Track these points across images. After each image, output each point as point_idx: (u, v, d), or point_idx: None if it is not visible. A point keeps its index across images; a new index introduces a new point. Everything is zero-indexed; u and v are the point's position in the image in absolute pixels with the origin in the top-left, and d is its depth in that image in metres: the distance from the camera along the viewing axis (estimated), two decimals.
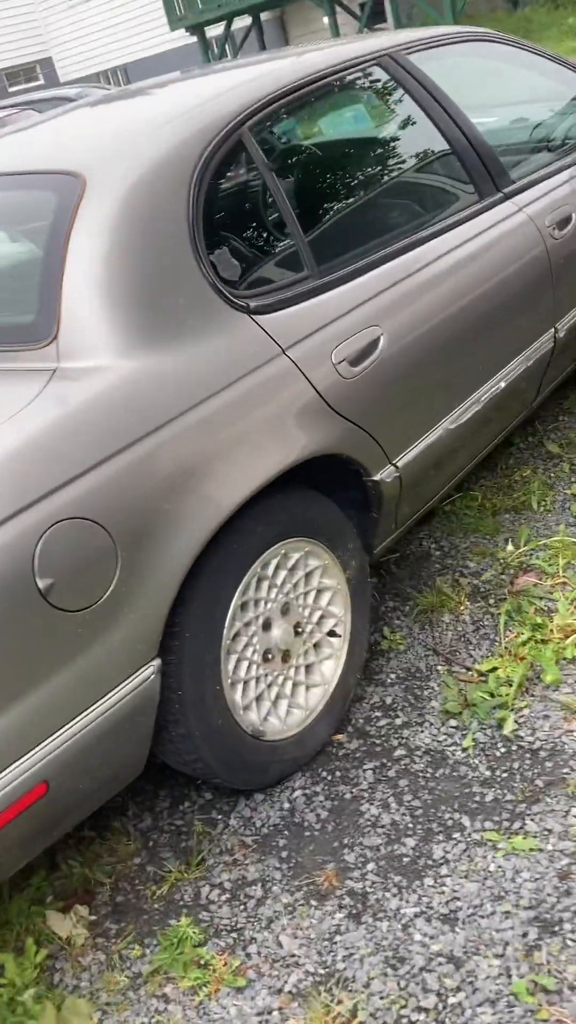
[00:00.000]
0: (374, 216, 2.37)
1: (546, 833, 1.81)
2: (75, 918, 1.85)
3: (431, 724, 2.17)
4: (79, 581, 1.57)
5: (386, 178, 2.52)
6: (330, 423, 2.02)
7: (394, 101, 2.52)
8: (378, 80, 2.50)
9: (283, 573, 2.04)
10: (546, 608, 2.44)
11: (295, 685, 2.13)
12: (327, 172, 2.46)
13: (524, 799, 1.90)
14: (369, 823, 1.94)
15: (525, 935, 1.63)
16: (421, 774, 2.03)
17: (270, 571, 2.00)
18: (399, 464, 2.23)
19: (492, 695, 2.19)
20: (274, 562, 2.00)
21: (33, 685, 1.53)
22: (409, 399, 2.24)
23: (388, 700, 2.28)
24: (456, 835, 1.86)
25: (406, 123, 2.52)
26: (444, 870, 1.79)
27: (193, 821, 2.05)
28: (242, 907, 1.82)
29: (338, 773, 2.09)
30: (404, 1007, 1.56)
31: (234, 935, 1.76)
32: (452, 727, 2.14)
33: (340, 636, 2.20)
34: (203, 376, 1.84)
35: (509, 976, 1.57)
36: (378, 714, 2.24)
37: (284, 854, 1.91)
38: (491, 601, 2.54)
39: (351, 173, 2.50)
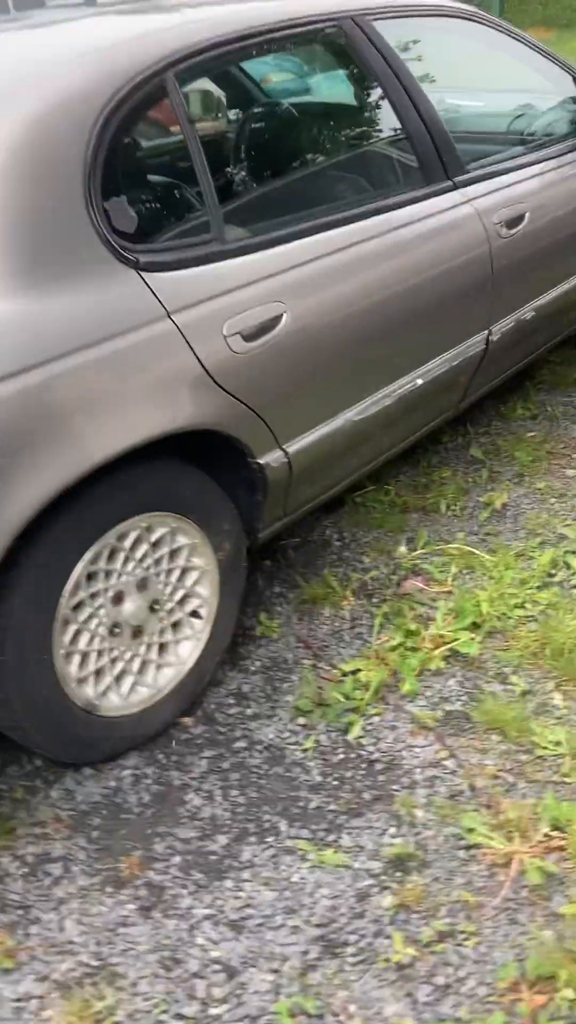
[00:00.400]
0: (301, 186, 2.26)
1: (358, 850, 1.76)
2: None
3: (280, 719, 2.10)
4: None
5: (322, 148, 2.40)
6: (211, 397, 1.92)
7: (347, 68, 2.39)
8: (334, 43, 2.37)
9: (144, 547, 1.95)
10: (425, 616, 2.37)
11: (145, 663, 2.05)
12: (255, 134, 2.33)
13: (347, 811, 1.85)
14: (188, 814, 1.88)
15: (306, 953, 1.58)
16: (255, 770, 1.97)
17: (127, 543, 1.91)
18: (289, 450, 2.14)
19: (347, 697, 2.13)
20: (133, 534, 1.92)
21: None
22: (308, 384, 2.15)
23: (245, 688, 2.22)
24: (269, 839, 1.80)
25: (356, 93, 2.40)
26: (246, 874, 1.73)
27: (15, 786, 1.98)
28: (37, 884, 1.76)
29: (174, 757, 2.03)
30: (164, 1012, 1.51)
31: (20, 912, 1.71)
32: (299, 725, 2.08)
33: (203, 618, 2.13)
34: (74, 328, 1.73)
35: (277, 994, 1.52)
36: (231, 701, 2.18)
37: (95, 834, 1.85)
38: (374, 600, 2.47)
39: (282, 137, 2.38)
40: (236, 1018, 1.49)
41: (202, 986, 1.54)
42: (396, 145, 2.40)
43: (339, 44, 2.36)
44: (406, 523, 2.80)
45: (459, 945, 1.56)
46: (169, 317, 1.86)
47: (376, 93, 2.37)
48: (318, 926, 1.62)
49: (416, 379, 2.46)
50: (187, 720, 2.13)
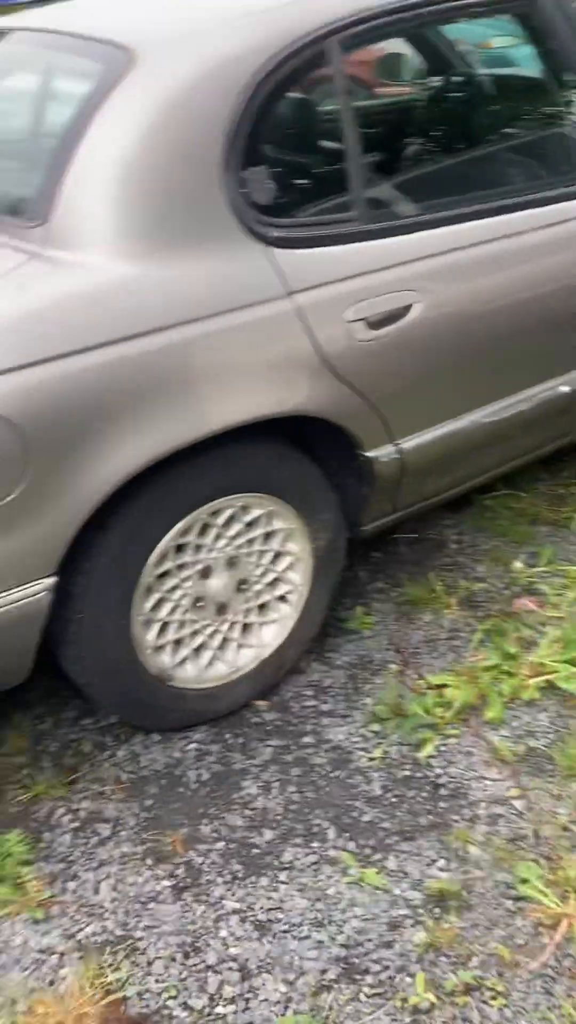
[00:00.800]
0: (454, 171, 2.12)
1: (401, 876, 1.68)
2: None
3: (354, 721, 2.04)
4: None
5: (488, 128, 2.24)
6: (324, 384, 1.85)
7: (531, 47, 2.21)
8: (523, 18, 2.19)
9: (237, 526, 1.92)
10: (528, 639, 2.23)
11: (226, 640, 2.03)
12: (416, 112, 2.20)
13: (399, 832, 1.77)
14: (241, 802, 1.86)
15: (324, 972, 1.53)
16: (317, 769, 1.92)
17: (220, 520, 1.89)
18: (404, 446, 2.04)
19: (427, 712, 2.04)
20: (228, 512, 1.89)
21: None
22: (432, 381, 2.04)
23: (327, 682, 2.16)
24: (314, 844, 1.76)
25: (532, 77, 2.21)
26: (284, 876, 1.70)
27: (87, 739, 2.02)
28: (84, 841, 1.79)
29: (241, 740, 2.01)
30: (172, 999, 1.50)
31: (62, 866, 1.74)
32: (372, 731, 2.01)
33: (291, 605, 2.09)
34: (191, 297, 1.71)
35: (286, 1007, 1.48)
36: (309, 693, 2.13)
37: (148, 803, 1.87)
38: (479, 613, 2.35)
39: (443, 118, 2.23)
40: (240, 1022, 1.46)
41: (215, 981, 1.52)
42: (566, 137, 2.20)
43: (527, 13, 2.18)
44: (532, 536, 2.64)
45: (483, 1003, 1.47)
46: (289, 296, 1.79)
47: (553, 79, 2.18)
48: (343, 946, 1.57)
49: (562, 386, 2.29)
50: (261, 704, 2.10)
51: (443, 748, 1.96)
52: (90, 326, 1.59)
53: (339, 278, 1.86)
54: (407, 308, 1.92)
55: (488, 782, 1.87)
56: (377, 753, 1.95)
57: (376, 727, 2.02)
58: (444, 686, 2.11)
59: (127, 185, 1.68)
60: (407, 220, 1.96)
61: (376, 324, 1.89)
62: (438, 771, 1.90)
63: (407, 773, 1.90)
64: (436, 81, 2.27)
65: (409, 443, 2.05)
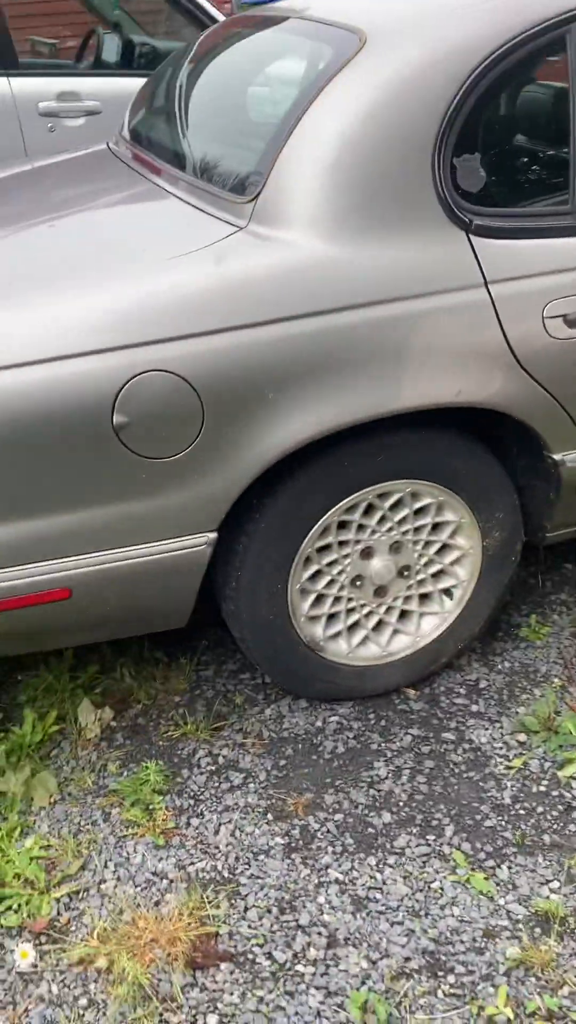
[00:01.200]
0: None
1: (510, 887, 1.64)
2: (99, 715, 2.06)
3: (501, 727, 2.00)
4: (155, 431, 1.63)
5: None
6: (510, 378, 1.81)
7: None
8: None
9: (404, 511, 1.93)
10: None
11: (381, 623, 2.06)
12: None
13: (518, 844, 1.72)
14: (368, 780, 1.88)
15: (408, 960, 1.53)
16: (451, 766, 1.91)
17: (387, 503, 1.91)
18: None
19: None
20: (395, 496, 1.90)
21: (80, 505, 1.66)
22: None
23: (483, 684, 2.13)
24: (430, 837, 1.75)
25: None
26: (392, 860, 1.71)
27: (241, 692, 2.13)
28: (215, 785, 1.90)
29: (383, 723, 2.03)
30: (259, 946, 1.57)
31: (191, 802, 1.86)
32: (517, 741, 1.96)
33: (454, 599, 2.07)
34: (384, 279, 1.73)
35: (363, 984, 1.50)
36: (462, 691, 2.11)
37: (282, 763, 1.94)
38: None
39: None
40: (316, 984, 1.50)
41: (302, 941, 1.57)
42: None
43: None
44: None
45: None
46: (486, 286, 1.77)
47: None
48: (433, 940, 1.56)
49: None
50: (411, 692, 2.11)
51: None
52: (278, 300, 1.66)
53: (541, 272, 1.80)
54: None
55: None
56: (516, 763, 1.90)
57: (522, 737, 1.97)
58: None
59: (339, 165, 1.73)
60: None
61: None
62: None
63: (542, 789, 1.84)
64: None
65: None
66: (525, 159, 1.87)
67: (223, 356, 1.64)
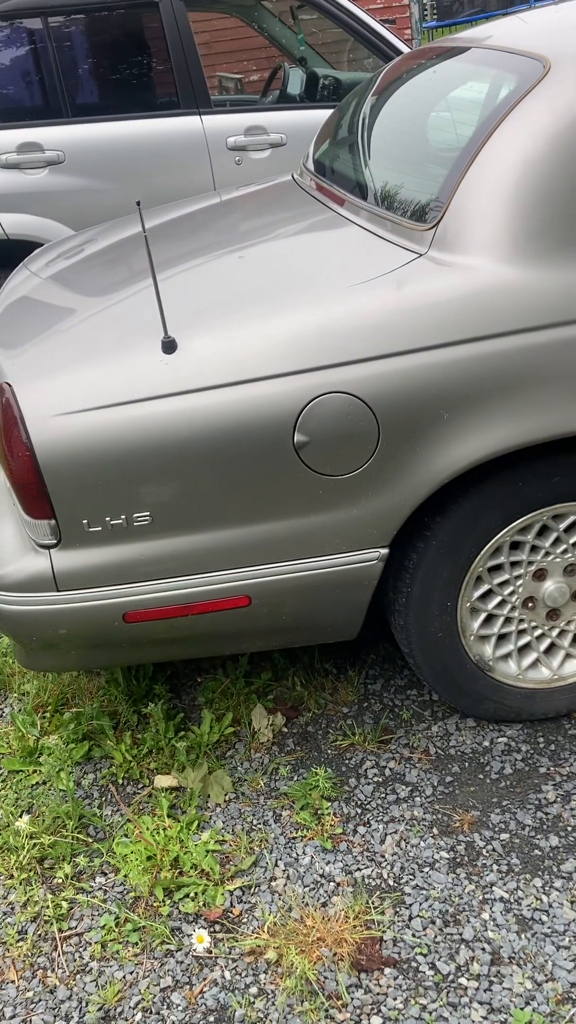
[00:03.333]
0: None
1: None
2: (271, 721, 2.15)
3: None
4: (333, 450, 1.71)
5: None
6: None
7: None
8: None
9: None
10: None
11: (553, 646, 2.05)
12: None
13: None
14: (536, 803, 1.88)
15: (574, 986, 1.52)
16: None
17: (562, 525, 1.90)
18: None
19: None
20: (571, 518, 1.90)
21: (261, 518, 1.76)
22: None
23: None
24: None
25: None
26: (559, 884, 1.70)
27: (408, 708, 2.17)
28: (382, 796, 1.94)
29: (552, 747, 2.02)
30: (422, 955, 1.60)
31: (359, 810, 1.91)
32: None
33: None
34: (560, 302, 1.74)
35: (527, 1003, 1.50)
36: None
37: (449, 779, 1.96)
38: None
39: None
40: (479, 999, 1.52)
41: (465, 955, 1.59)
42: None
43: None
44: None
45: None
46: None
47: None
48: None
49: None
50: None
51: None
52: (455, 323, 1.70)
53: None
54: None
55: None
56: None
57: None
58: None
59: (520, 191, 1.75)
60: None
61: None
62: None
63: None
64: None
65: None
66: None
67: (400, 378, 1.70)
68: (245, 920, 1.70)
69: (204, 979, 1.61)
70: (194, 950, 1.65)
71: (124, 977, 1.63)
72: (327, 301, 1.74)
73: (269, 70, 4.95)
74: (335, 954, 1.60)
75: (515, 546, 1.92)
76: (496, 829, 1.83)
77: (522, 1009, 1.48)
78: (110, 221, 2.91)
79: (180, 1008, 1.56)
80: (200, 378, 1.67)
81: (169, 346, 1.69)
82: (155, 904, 1.75)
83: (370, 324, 1.70)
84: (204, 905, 1.74)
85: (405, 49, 3.88)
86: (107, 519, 1.71)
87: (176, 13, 3.73)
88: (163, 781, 2.01)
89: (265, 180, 2.86)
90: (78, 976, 1.64)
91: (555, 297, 1.72)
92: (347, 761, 2.04)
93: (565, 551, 1.93)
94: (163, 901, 1.75)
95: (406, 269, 1.78)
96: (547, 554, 1.93)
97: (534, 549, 1.92)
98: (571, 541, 1.92)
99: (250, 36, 7.04)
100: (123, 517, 1.72)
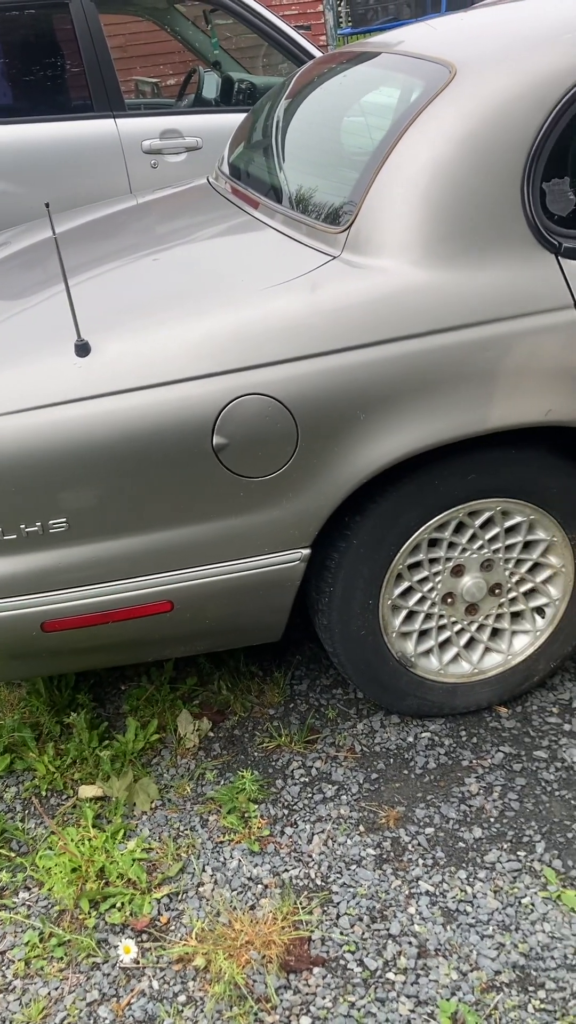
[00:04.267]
0: None
1: None
2: (197, 726, 2.14)
3: None
4: (253, 452, 1.71)
5: None
6: None
7: None
8: None
9: (495, 530, 1.96)
10: None
11: (473, 640, 2.08)
12: None
13: None
14: (460, 796, 1.90)
15: (499, 973, 1.54)
16: (543, 784, 1.91)
17: (478, 521, 1.94)
18: None
19: None
20: (486, 515, 1.94)
21: (181, 522, 1.75)
22: None
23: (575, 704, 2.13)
24: (521, 853, 1.76)
25: None
26: (483, 875, 1.72)
27: (333, 707, 2.18)
28: (309, 796, 1.95)
29: (474, 740, 2.05)
30: (350, 952, 1.61)
31: (286, 811, 1.91)
32: None
33: (546, 618, 2.08)
34: (475, 303, 1.77)
35: (453, 994, 1.52)
36: (554, 710, 2.11)
37: (374, 776, 1.98)
38: None
39: None
40: (407, 993, 1.53)
41: (392, 950, 1.61)
42: None
43: None
44: None
45: None
46: (575, 307, 1.79)
47: None
48: (524, 955, 1.57)
49: None
50: (503, 710, 2.12)
51: None
52: (370, 325, 1.72)
53: None
54: None
55: None
56: None
57: None
58: None
59: (430, 193, 1.78)
60: None
61: None
62: None
63: None
64: None
65: None
66: None
67: (316, 380, 1.70)
68: (173, 928, 1.68)
69: (132, 990, 1.59)
70: (121, 961, 1.63)
71: (49, 994, 1.60)
72: (242, 304, 1.74)
73: (185, 74, 4.93)
74: (264, 956, 1.60)
75: (433, 543, 1.94)
76: (421, 824, 1.85)
77: (448, 1000, 1.50)
78: (25, 224, 2.87)
79: (107, 1022, 1.54)
80: (115, 381, 1.65)
81: (82, 349, 1.67)
82: (81, 917, 1.72)
83: (285, 326, 1.71)
84: (131, 915, 1.72)
85: (318, 54, 3.91)
86: (22, 526, 1.68)
87: (87, 15, 3.69)
88: (87, 791, 1.98)
89: (181, 183, 2.85)
90: (0, 996, 1.60)
91: (465, 298, 1.76)
92: (274, 763, 2.04)
93: (481, 547, 1.97)
94: (89, 913, 1.72)
95: (320, 272, 1.79)
96: (464, 550, 1.96)
97: (451, 546, 1.95)
98: (487, 537, 1.96)
99: (165, 40, 7.01)
100: (38, 524, 1.69)
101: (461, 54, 1.93)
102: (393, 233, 1.78)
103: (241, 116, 3.96)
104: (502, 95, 1.80)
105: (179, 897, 1.74)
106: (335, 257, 1.82)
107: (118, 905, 1.73)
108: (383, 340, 1.72)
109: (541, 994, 1.50)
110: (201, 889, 1.75)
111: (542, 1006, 1.48)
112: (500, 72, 1.83)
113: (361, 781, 1.97)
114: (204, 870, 1.79)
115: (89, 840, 1.84)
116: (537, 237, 1.79)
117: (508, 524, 1.96)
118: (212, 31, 4.58)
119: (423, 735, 2.07)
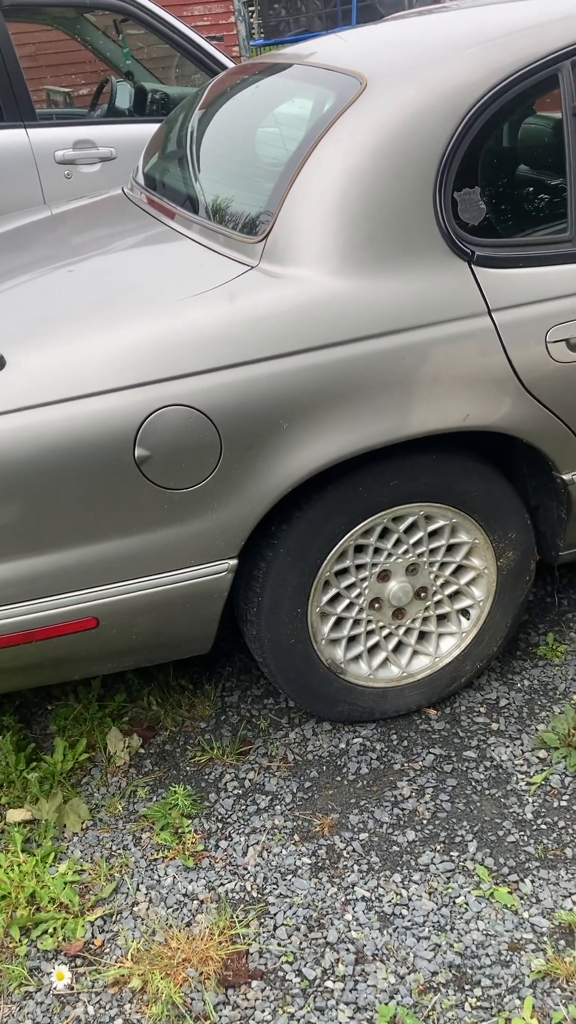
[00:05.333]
0: None
1: (533, 901, 1.67)
2: (128, 743, 2.11)
3: (521, 744, 2.03)
4: (176, 463, 1.70)
5: None
6: (516, 402, 1.87)
7: None
8: None
9: (419, 534, 1.98)
10: None
11: (401, 644, 2.10)
12: None
13: (541, 859, 1.75)
14: (392, 800, 1.92)
15: (435, 974, 1.56)
16: (474, 783, 1.94)
17: (402, 526, 1.96)
18: None
19: None
20: (410, 519, 1.96)
21: (105, 536, 1.72)
22: None
23: (503, 702, 2.16)
24: (454, 853, 1.78)
25: None
26: (417, 877, 1.74)
27: (265, 717, 2.17)
28: (243, 808, 1.94)
29: (405, 743, 2.07)
30: (288, 963, 1.60)
31: (219, 824, 1.90)
32: (538, 757, 1.99)
33: (471, 619, 2.11)
34: (388, 312, 1.79)
35: (391, 998, 1.53)
36: (482, 710, 2.14)
37: (307, 784, 1.98)
38: None
39: None
40: (345, 1000, 1.53)
41: (331, 958, 1.60)
42: None
43: None
44: None
45: None
46: (489, 314, 1.83)
47: None
48: (459, 955, 1.58)
49: None
50: (432, 712, 2.14)
51: None
52: (288, 335, 1.72)
53: (543, 298, 1.86)
54: None
55: None
56: (537, 779, 1.93)
57: (542, 754, 2.00)
58: None
59: (344, 203, 1.80)
60: None
61: None
62: None
63: (563, 803, 1.86)
64: None
65: None
66: (524, 190, 1.93)
67: (237, 389, 1.70)
68: (108, 950, 1.65)
69: (67, 1017, 1.55)
70: (55, 988, 1.59)
71: None
72: (161, 314, 1.73)
73: (97, 84, 4.88)
74: (201, 973, 1.58)
75: (359, 549, 1.96)
76: (355, 830, 1.85)
77: (386, 1004, 1.51)
78: None
79: None
80: (32, 395, 1.62)
81: None
82: (11, 945, 1.67)
83: (204, 337, 1.70)
84: (64, 940, 1.68)
85: (230, 64, 3.92)
86: None
87: None
88: (15, 815, 1.93)
89: (95, 194, 2.82)
90: None
91: (381, 307, 1.78)
92: (206, 776, 2.03)
93: (406, 551, 1.99)
94: (20, 941, 1.68)
95: (238, 281, 1.79)
96: (389, 555, 1.98)
97: (377, 551, 1.97)
98: (411, 542, 1.98)
99: (77, 49, 6.94)
100: None
101: (371, 66, 1.96)
102: (309, 243, 1.80)
103: (155, 126, 3.95)
104: (412, 106, 1.83)
105: (113, 918, 1.71)
106: (253, 267, 1.82)
107: (50, 931, 1.69)
108: (302, 349, 1.73)
109: (477, 992, 1.52)
110: (136, 909, 1.73)
111: (479, 1004, 1.50)
112: (410, 84, 1.86)
113: (295, 790, 1.96)
114: (138, 889, 1.76)
115: (18, 865, 1.80)
116: (450, 245, 1.82)
117: (431, 528, 1.98)
118: (123, 41, 4.55)
119: (355, 741, 2.08)
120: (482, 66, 1.86)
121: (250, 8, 14.95)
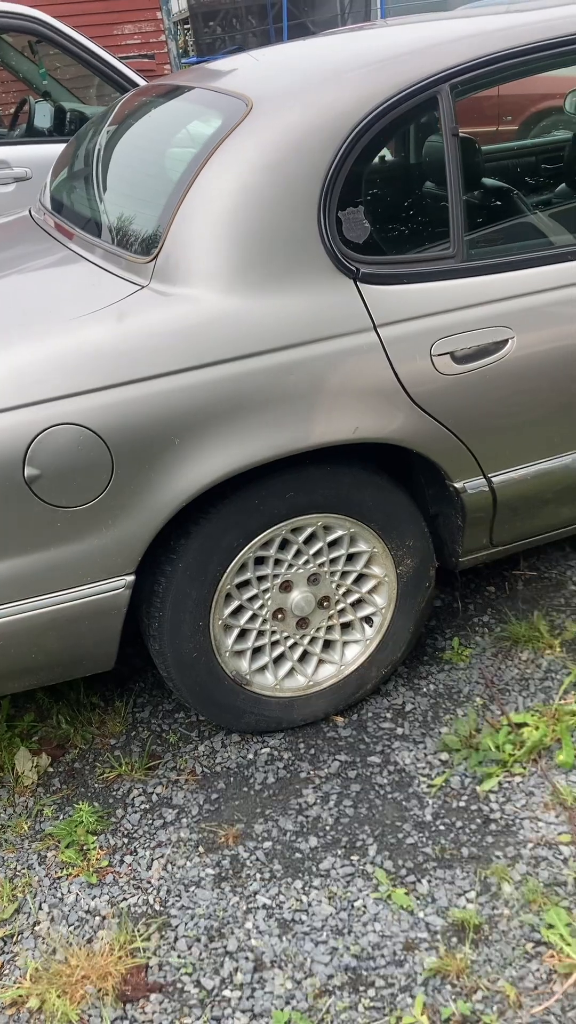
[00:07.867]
0: (559, 216, 2.10)
1: (428, 900, 1.70)
2: (36, 762, 2.10)
3: (424, 748, 2.07)
4: (67, 481, 1.71)
5: None
6: (405, 414, 1.92)
7: None
8: None
9: (318, 544, 2.02)
10: None
11: (306, 654, 2.13)
12: (519, 157, 2.20)
13: (437, 859, 1.79)
14: (297, 808, 1.94)
15: (331, 977, 1.58)
16: (376, 788, 1.97)
17: (301, 537, 1.99)
18: (495, 480, 2.06)
19: (498, 748, 2.03)
20: (308, 530, 1.99)
21: (2, 554, 1.72)
22: (526, 418, 2.04)
23: (408, 707, 2.20)
24: (354, 858, 1.81)
25: None
26: (317, 882, 1.76)
27: (175, 731, 2.19)
28: (149, 822, 1.95)
29: (312, 751, 2.09)
30: (187, 975, 1.61)
31: (125, 840, 1.91)
32: (440, 760, 2.03)
33: (374, 627, 2.15)
34: (275, 328, 1.83)
35: (287, 1004, 1.55)
36: (388, 715, 2.18)
37: (215, 796, 2.00)
38: None
39: (547, 163, 2.22)
40: (242, 1008, 1.55)
41: (230, 967, 1.62)
42: None
43: None
44: None
45: None
46: (375, 329, 1.88)
47: None
48: (355, 957, 1.61)
49: None
50: (339, 719, 2.18)
51: (506, 785, 1.94)
52: (177, 353, 1.75)
53: (427, 313, 1.91)
54: (499, 344, 1.95)
55: (542, 824, 1.84)
56: (438, 781, 1.97)
57: (444, 756, 2.04)
58: (524, 725, 2.09)
59: (230, 223, 1.84)
60: (503, 259, 1.98)
61: (464, 359, 1.93)
62: (494, 806, 1.89)
63: (462, 804, 1.91)
64: (543, 129, 2.26)
65: (500, 477, 2.06)
66: (407, 209, 2.00)
67: (127, 407, 1.72)
68: (7, 972, 1.65)
69: None
70: None
71: None
72: (48, 334, 1.74)
73: (16, 104, 4.88)
74: (100, 990, 1.59)
75: (260, 561, 1.99)
76: (259, 839, 1.88)
77: (282, 1010, 1.53)
78: None
79: None
80: None
81: None
82: None
83: (92, 356, 1.72)
84: None
85: (143, 83, 3.95)
86: None
87: None
88: None
89: (2, 216, 2.83)
90: None
91: (269, 324, 1.81)
92: (114, 792, 2.03)
93: (307, 562, 2.02)
94: None
95: (128, 301, 1.82)
96: (290, 566, 2.02)
97: (278, 562, 2.00)
98: (311, 552, 2.02)
99: None
100: None
101: (259, 89, 2.01)
102: (198, 262, 1.83)
103: None
104: (295, 128, 1.88)
105: (14, 939, 1.71)
106: (143, 287, 1.84)
107: None
108: (190, 367, 1.76)
109: (371, 992, 1.55)
110: (37, 928, 1.72)
111: (372, 1004, 1.53)
112: (293, 106, 1.91)
113: (201, 802, 1.98)
114: (40, 908, 1.76)
115: None
116: (335, 263, 1.87)
117: (330, 538, 2.02)
118: (39, 60, 4.56)
119: (263, 751, 2.10)
120: (362, 89, 1.91)
121: (186, 27, 15.04)
